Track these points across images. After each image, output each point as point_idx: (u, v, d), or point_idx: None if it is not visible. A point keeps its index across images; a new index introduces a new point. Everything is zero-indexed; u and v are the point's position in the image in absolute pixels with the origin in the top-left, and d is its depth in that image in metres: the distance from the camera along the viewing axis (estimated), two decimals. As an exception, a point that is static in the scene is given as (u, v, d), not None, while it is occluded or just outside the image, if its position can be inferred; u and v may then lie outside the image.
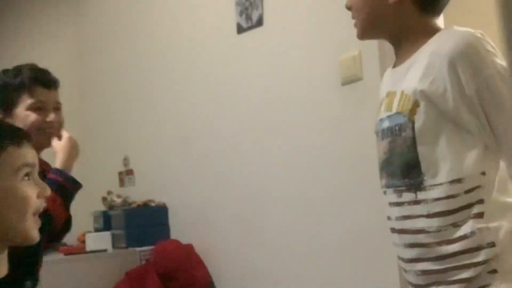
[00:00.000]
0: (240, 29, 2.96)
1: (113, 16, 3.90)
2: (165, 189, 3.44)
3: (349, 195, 2.50)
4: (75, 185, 1.93)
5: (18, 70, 1.99)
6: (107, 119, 4.02)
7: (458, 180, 1.27)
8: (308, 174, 2.65)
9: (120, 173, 3.85)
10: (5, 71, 2.01)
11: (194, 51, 3.26)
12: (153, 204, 3.41)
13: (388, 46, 2.37)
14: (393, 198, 1.37)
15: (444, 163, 1.29)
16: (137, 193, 3.57)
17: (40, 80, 1.99)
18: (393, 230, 1.38)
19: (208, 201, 3.16)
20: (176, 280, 3.03)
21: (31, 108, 1.94)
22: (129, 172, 3.77)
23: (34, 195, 1.25)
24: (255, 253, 2.88)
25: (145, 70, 3.59)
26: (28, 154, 1.27)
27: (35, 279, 1.79)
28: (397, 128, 1.37)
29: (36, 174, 1.28)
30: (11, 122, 1.85)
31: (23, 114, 1.93)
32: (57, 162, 1.94)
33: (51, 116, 1.98)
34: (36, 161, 1.29)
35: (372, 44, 2.42)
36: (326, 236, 2.57)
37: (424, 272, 1.32)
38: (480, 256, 1.25)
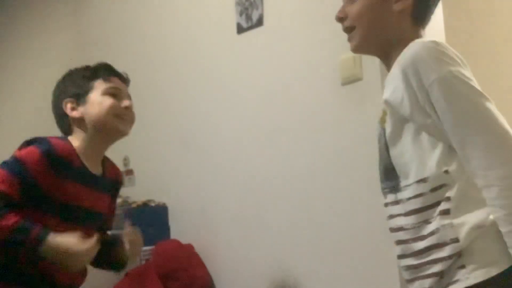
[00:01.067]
0: (240, 29, 2.96)
1: (112, 15, 3.89)
2: (165, 189, 3.44)
3: (349, 195, 2.50)
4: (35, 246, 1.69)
5: (89, 66, 2.02)
6: (107, 119, 4.02)
7: (423, 180, 1.33)
8: (308, 174, 2.65)
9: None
10: (76, 68, 2.02)
11: (194, 50, 3.26)
12: (153, 204, 3.41)
13: (388, 46, 2.38)
14: (383, 199, 1.48)
15: (412, 165, 1.36)
16: (137, 193, 3.57)
17: (115, 71, 2.01)
18: (389, 230, 1.46)
19: (208, 201, 3.15)
20: (176, 280, 3.03)
21: (107, 93, 1.91)
22: (129, 172, 3.77)
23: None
24: (255, 253, 2.88)
25: (144, 69, 3.59)
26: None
27: None
28: (378, 135, 1.51)
29: None
30: (83, 110, 1.91)
31: (99, 99, 1.90)
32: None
33: (127, 102, 1.94)
34: None
35: (372, 44, 2.43)
36: (326, 236, 2.57)
37: (408, 268, 1.39)
38: (445, 251, 1.29)
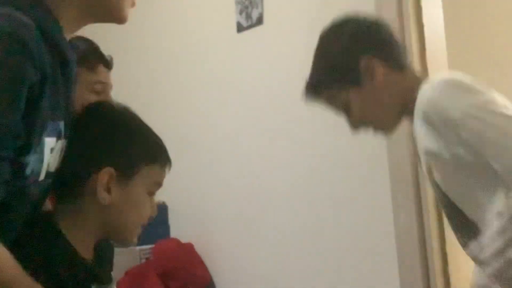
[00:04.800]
0: (240, 28, 2.95)
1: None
2: (165, 188, 3.41)
3: (350, 195, 2.50)
4: None
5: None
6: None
7: (499, 214, 1.28)
8: (308, 174, 2.65)
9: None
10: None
11: (193, 49, 3.26)
12: (153, 203, 3.41)
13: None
14: (462, 249, 1.46)
15: (481, 207, 1.32)
16: (137, 192, 3.57)
17: (102, 57, 1.80)
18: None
19: (208, 200, 3.15)
20: (176, 279, 3.03)
21: (92, 90, 1.75)
22: (129, 170, 3.77)
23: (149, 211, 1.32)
24: (255, 252, 2.88)
25: (144, 68, 3.59)
26: (164, 176, 1.36)
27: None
28: (432, 187, 1.46)
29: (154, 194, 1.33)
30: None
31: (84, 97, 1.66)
32: None
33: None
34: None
35: (372, 43, 2.42)
36: (326, 236, 2.57)
37: None
38: None
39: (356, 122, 1.50)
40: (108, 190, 1.21)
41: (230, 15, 2.98)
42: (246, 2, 2.92)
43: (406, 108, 1.45)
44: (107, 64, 1.81)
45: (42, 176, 1.11)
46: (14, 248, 1.05)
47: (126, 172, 1.24)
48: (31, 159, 1.06)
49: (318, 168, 2.62)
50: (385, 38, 1.49)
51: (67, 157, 1.19)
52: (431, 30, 2.36)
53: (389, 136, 1.57)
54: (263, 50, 2.87)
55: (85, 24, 1.22)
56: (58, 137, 1.13)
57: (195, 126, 3.23)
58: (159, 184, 1.35)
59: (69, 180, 1.18)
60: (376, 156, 2.41)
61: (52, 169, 1.15)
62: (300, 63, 2.75)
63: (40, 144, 1.07)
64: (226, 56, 3.05)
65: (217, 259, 3.08)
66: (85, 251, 1.23)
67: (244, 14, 2.93)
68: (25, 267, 1.05)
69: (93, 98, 1.69)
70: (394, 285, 2.30)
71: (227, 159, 3.04)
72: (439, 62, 2.39)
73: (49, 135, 1.10)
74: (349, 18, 1.54)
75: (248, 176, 2.93)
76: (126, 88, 3.80)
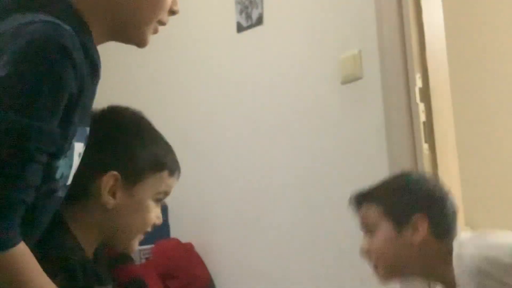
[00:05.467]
0: (240, 28, 2.95)
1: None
2: (165, 188, 3.43)
3: (349, 194, 2.50)
4: None
5: None
6: (107, 118, 4.02)
7: None
8: (308, 173, 2.65)
9: (120, 172, 3.85)
10: None
11: (193, 49, 3.26)
12: (152, 203, 3.41)
13: (388, 45, 2.38)
14: None
15: None
16: (137, 192, 3.56)
17: None
18: None
19: (208, 200, 3.15)
20: (176, 279, 3.03)
21: None
22: (129, 171, 3.77)
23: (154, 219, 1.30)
24: (255, 252, 2.88)
25: (143, 68, 3.59)
26: (173, 185, 1.33)
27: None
28: None
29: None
30: None
31: None
32: None
33: None
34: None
35: (373, 43, 2.42)
36: (326, 236, 2.57)
37: None
38: None
39: (366, 251, 1.54)
40: (113, 194, 1.21)
41: (230, 15, 2.98)
42: (246, 2, 2.92)
43: (425, 273, 1.50)
44: None
45: (69, 180, 1.14)
46: (35, 248, 1.07)
47: (132, 177, 1.24)
48: (61, 163, 1.09)
49: (318, 168, 2.62)
50: (448, 213, 1.53)
51: None
52: (431, 30, 2.36)
53: (380, 282, 1.60)
54: (263, 50, 2.87)
55: (104, 42, 1.25)
56: (85, 142, 1.17)
57: (195, 126, 3.23)
58: (166, 193, 1.33)
59: (76, 180, 1.18)
60: (376, 156, 2.41)
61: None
62: (300, 63, 2.76)
63: (70, 149, 1.11)
64: (226, 56, 3.05)
65: (217, 259, 3.08)
66: (89, 251, 1.24)
67: (244, 14, 2.93)
68: (44, 268, 1.06)
69: None
70: (393, 285, 2.29)
71: (227, 159, 3.03)
72: (439, 62, 2.39)
73: (78, 140, 1.13)
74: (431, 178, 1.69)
75: (248, 176, 2.93)
76: (126, 88, 3.80)
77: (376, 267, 1.52)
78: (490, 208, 2.97)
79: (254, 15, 2.88)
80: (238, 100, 2.98)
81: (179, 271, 3.04)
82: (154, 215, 1.31)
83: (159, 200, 1.32)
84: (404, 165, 2.30)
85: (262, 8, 2.85)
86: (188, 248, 3.14)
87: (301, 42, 2.71)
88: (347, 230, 2.50)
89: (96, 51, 1.18)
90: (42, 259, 1.07)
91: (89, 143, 1.18)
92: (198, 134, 3.21)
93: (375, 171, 2.41)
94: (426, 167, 2.28)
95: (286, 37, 2.77)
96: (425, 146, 2.29)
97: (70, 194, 1.19)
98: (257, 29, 2.87)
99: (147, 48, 3.58)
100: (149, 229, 1.32)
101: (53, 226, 1.18)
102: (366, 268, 2.44)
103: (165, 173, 1.29)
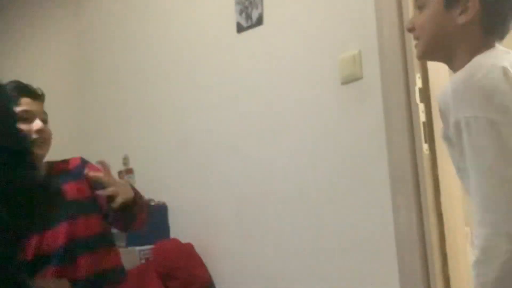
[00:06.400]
0: (240, 28, 2.96)
1: (111, 16, 3.89)
2: (165, 189, 3.43)
3: (349, 195, 2.50)
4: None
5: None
6: (107, 118, 4.02)
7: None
8: (308, 173, 2.65)
9: (120, 172, 3.85)
10: None
11: (193, 50, 3.26)
12: (153, 203, 3.41)
13: (388, 45, 2.38)
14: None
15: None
16: (137, 192, 3.56)
17: (24, 90, 1.96)
18: None
19: (208, 200, 3.15)
20: (176, 279, 3.03)
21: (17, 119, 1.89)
22: (129, 171, 3.77)
23: None
24: (255, 253, 2.88)
25: (144, 69, 3.59)
26: None
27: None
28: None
29: None
30: None
31: None
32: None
33: (37, 126, 1.93)
34: None
35: (372, 43, 2.43)
36: (326, 236, 2.57)
37: None
38: None
39: (413, 25, 1.48)
40: None
41: (230, 15, 2.99)
42: (246, 3, 2.92)
43: (451, 59, 1.45)
44: (32, 95, 1.98)
45: None
46: None
47: None
48: None
49: (318, 168, 2.62)
50: (502, 11, 1.44)
51: None
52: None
53: (417, 57, 1.57)
54: (263, 51, 2.87)
55: None
56: None
57: (195, 127, 3.23)
58: None
59: None
60: (376, 156, 2.41)
61: None
62: (300, 63, 2.77)
63: None
64: (226, 56, 3.06)
65: (217, 259, 3.08)
66: None
67: (244, 15, 2.94)
68: None
69: (21, 125, 1.81)
70: (393, 285, 2.30)
71: (227, 160, 3.04)
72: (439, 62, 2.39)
73: None
74: None
75: (247, 176, 2.93)
76: (126, 88, 3.81)
77: (417, 40, 1.49)
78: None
79: (254, 16, 2.89)
80: (238, 100, 2.99)
81: (179, 271, 3.04)
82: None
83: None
84: (404, 165, 2.30)
85: (262, 8, 2.85)
86: (188, 248, 3.14)
87: (301, 42, 2.71)
88: (347, 230, 2.50)
89: None
90: None
91: None
92: (197, 134, 3.21)
93: (375, 171, 2.41)
94: (426, 167, 2.28)
95: (286, 37, 2.77)
96: (425, 146, 2.29)
97: None
98: (257, 29, 2.88)
99: (147, 48, 3.59)
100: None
101: None
102: (366, 268, 2.44)
103: None
